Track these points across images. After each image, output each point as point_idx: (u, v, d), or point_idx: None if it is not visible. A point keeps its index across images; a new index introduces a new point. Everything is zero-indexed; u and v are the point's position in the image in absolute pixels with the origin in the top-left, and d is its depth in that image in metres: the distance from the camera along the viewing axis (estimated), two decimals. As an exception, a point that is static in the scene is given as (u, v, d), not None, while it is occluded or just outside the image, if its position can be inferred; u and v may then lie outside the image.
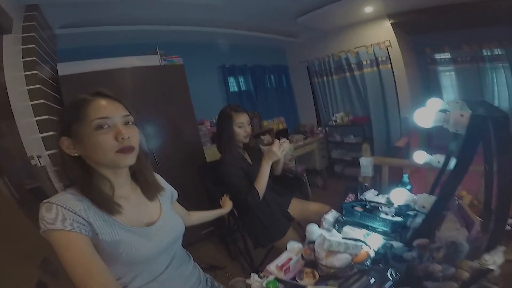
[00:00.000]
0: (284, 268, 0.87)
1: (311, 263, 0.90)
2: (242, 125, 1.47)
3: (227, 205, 1.32)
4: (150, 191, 0.77)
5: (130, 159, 0.66)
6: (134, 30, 2.40)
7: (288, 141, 1.41)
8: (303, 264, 0.92)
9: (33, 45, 1.50)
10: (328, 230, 1.13)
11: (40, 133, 1.37)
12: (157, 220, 0.75)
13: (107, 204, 0.64)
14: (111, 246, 0.62)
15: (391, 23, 3.20)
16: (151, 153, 2.11)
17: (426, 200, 0.83)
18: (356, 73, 3.60)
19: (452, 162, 1.04)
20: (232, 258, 2.17)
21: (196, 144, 2.46)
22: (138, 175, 0.76)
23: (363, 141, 3.61)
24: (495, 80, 3.40)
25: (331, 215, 1.19)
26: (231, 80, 3.64)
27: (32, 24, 1.57)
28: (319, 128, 4.16)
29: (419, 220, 1.05)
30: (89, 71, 1.95)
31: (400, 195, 0.90)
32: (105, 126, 0.62)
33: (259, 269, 1.72)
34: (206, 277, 0.92)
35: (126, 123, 0.66)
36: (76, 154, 0.63)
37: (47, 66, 1.76)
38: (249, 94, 3.79)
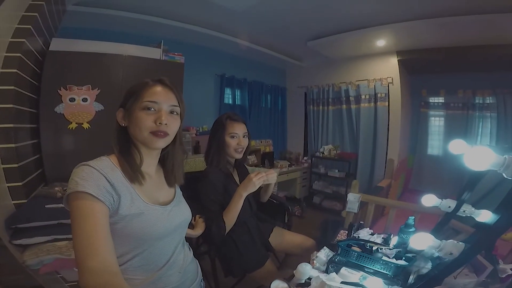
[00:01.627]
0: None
1: (303, 309, 0.75)
2: (235, 136, 1.29)
3: (198, 228, 1.14)
4: (171, 179, 0.84)
5: (160, 142, 0.72)
6: (143, 19, 2.34)
7: (275, 173, 1.26)
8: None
9: (36, 14, 1.39)
10: (319, 269, 1.00)
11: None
12: (171, 201, 0.80)
13: (133, 171, 0.69)
14: (128, 219, 0.65)
15: (398, 60, 3.25)
16: None
17: (455, 247, 0.74)
18: (353, 107, 3.64)
19: (466, 208, 0.98)
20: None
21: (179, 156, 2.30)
22: (166, 161, 0.83)
23: (346, 176, 3.60)
24: (480, 130, 3.55)
25: (323, 253, 1.06)
26: (228, 91, 3.55)
27: None
28: (305, 158, 4.12)
29: (421, 264, 0.96)
30: (81, 51, 1.79)
31: (423, 240, 0.80)
32: (152, 109, 0.70)
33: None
34: (201, 277, 0.95)
35: (171, 112, 0.74)
36: (123, 125, 0.73)
37: (41, 39, 1.62)
38: (243, 110, 3.70)
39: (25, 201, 1.23)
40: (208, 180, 1.23)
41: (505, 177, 0.65)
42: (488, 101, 3.47)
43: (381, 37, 2.88)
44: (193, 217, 1.17)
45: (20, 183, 1.22)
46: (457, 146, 0.94)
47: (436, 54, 2.98)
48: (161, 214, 0.73)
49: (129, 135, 0.73)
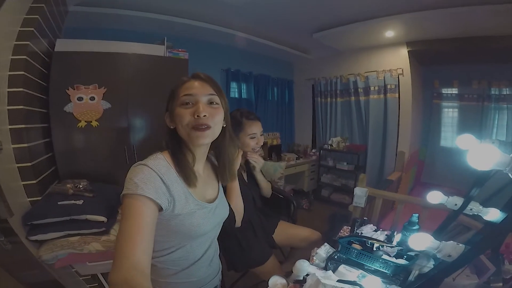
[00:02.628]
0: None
1: (298, 306, 0.76)
2: (254, 136, 1.28)
3: None
4: (225, 176, 0.84)
5: (203, 138, 0.69)
6: (146, 17, 2.34)
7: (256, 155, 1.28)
8: (287, 306, 0.78)
9: (37, 16, 1.42)
10: (319, 266, 1.01)
11: (8, 105, 1.21)
12: (215, 198, 0.81)
13: (189, 174, 0.70)
14: (180, 217, 0.67)
15: (408, 51, 3.14)
16: (131, 147, 1.96)
17: (454, 249, 0.71)
18: (362, 98, 3.55)
19: (472, 206, 0.95)
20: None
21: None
22: (219, 158, 0.83)
23: (355, 169, 3.55)
24: (496, 122, 3.39)
25: (324, 250, 1.07)
26: (233, 85, 3.54)
27: None
28: (313, 150, 4.08)
29: (422, 262, 0.95)
30: (86, 51, 1.83)
31: (422, 241, 0.78)
32: (189, 103, 0.69)
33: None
34: (221, 274, 0.96)
35: (211, 103, 0.71)
36: (172, 127, 0.72)
37: (45, 40, 1.66)
38: (249, 103, 3.69)
39: (40, 198, 1.30)
40: None
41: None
42: (504, 93, 3.29)
43: (389, 28, 2.76)
44: None
45: (34, 181, 1.28)
46: (465, 141, 0.90)
47: (448, 45, 2.84)
48: (208, 212, 0.75)
49: (179, 136, 0.72)
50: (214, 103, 0.72)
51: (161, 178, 0.63)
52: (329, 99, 3.90)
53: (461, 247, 0.71)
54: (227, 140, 0.80)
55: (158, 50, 2.17)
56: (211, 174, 0.86)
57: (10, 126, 1.21)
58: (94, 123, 1.82)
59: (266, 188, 1.50)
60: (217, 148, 0.81)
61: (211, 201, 0.79)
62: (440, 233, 1.07)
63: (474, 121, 3.48)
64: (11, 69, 1.26)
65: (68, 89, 1.74)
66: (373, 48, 3.35)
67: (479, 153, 0.63)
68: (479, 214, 0.95)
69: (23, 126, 1.27)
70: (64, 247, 1.11)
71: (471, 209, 0.98)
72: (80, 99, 1.78)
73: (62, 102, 1.73)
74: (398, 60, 3.20)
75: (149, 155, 0.73)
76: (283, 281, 0.89)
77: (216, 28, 2.67)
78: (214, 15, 2.52)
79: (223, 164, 0.83)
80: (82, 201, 1.25)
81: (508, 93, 3.27)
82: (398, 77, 3.23)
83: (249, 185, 1.38)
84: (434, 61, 3.49)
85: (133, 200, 0.58)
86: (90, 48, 1.84)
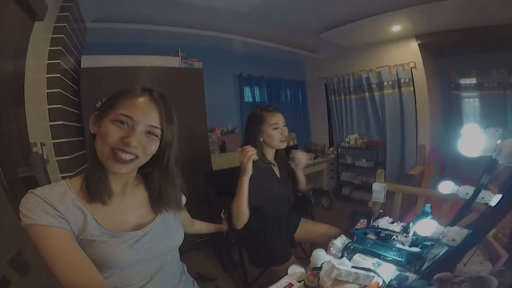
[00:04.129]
0: (284, 294, 0.78)
1: (315, 291, 0.81)
2: (277, 127, 1.26)
3: (224, 224, 1.19)
4: (157, 204, 0.72)
5: (119, 169, 0.60)
6: (159, 30, 2.48)
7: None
8: (305, 291, 0.82)
9: (62, 35, 1.53)
10: (336, 256, 1.04)
11: (50, 121, 1.36)
12: (148, 224, 0.68)
13: (93, 190, 0.61)
14: (82, 243, 0.58)
15: (418, 44, 3.10)
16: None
17: (457, 233, 0.74)
18: (376, 93, 3.51)
19: (483, 195, 0.95)
20: (224, 270, 2.08)
21: (204, 150, 2.44)
22: (151, 183, 0.72)
23: (375, 165, 3.49)
24: None
25: (340, 241, 1.10)
26: (247, 90, 3.64)
27: (66, 14, 1.60)
28: (331, 149, 4.07)
29: (437, 251, 0.96)
30: (109, 66, 2.00)
31: (427, 227, 0.81)
32: (125, 124, 0.59)
33: (252, 286, 1.61)
34: None
35: (148, 133, 0.62)
36: (92, 131, 0.62)
37: (72, 57, 1.81)
38: (263, 106, 3.77)
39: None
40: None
41: (501, 162, 0.64)
42: None
43: (396, 23, 2.75)
44: (223, 210, 1.25)
45: (71, 174, 1.43)
46: (469, 131, 0.90)
47: (458, 35, 2.77)
48: (121, 242, 0.62)
49: (92, 146, 0.62)
50: (153, 134, 0.63)
51: (46, 202, 0.55)
52: (343, 96, 3.88)
53: (464, 231, 0.73)
54: (163, 165, 0.68)
55: (174, 61, 2.32)
56: (142, 199, 0.72)
57: (53, 141, 1.36)
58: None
59: (304, 183, 1.49)
60: (149, 171, 0.71)
61: (137, 228, 0.66)
62: (456, 222, 1.07)
63: (497, 111, 3.31)
64: (48, 87, 1.41)
65: (97, 104, 1.90)
66: (382, 43, 3.33)
67: (467, 141, 0.67)
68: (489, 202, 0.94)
69: (64, 140, 1.42)
70: None
71: (482, 198, 0.98)
72: (107, 111, 1.94)
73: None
74: (409, 53, 3.17)
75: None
76: (302, 269, 0.94)
77: (225, 36, 2.78)
78: (222, 24, 2.62)
79: (155, 189, 0.72)
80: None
81: None
82: (411, 70, 3.18)
83: (283, 181, 1.37)
84: (446, 52, 3.40)
85: (31, 231, 0.54)
86: (112, 63, 2.01)
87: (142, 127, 0.60)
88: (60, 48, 1.50)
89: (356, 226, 1.40)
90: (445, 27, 2.77)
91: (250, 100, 3.68)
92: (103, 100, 0.65)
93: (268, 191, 1.29)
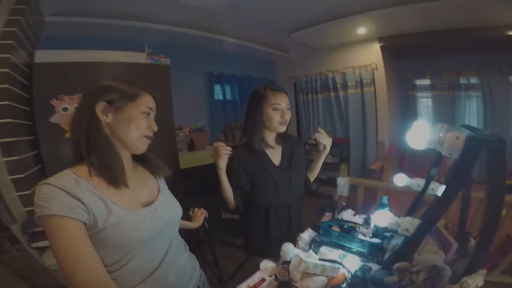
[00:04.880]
0: (257, 288, 0.82)
1: (285, 284, 0.85)
2: (278, 108, 1.13)
3: (195, 220, 1.15)
4: (159, 170, 0.84)
5: (146, 146, 0.74)
6: (124, 25, 2.34)
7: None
8: (276, 285, 0.87)
9: (15, 29, 1.41)
10: (304, 250, 1.10)
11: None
12: (155, 200, 0.77)
13: (118, 171, 0.67)
14: (109, 228, 0.62)
15: (380, 46, 3.33)
16: None
17: (410, 223, 0.81)
18: (341, 93, 3.72)
19: (433, 186, 1.07)
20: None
21: (171, 149, 2.38)
22: (147, 156, 0.80)
23: (340, 161, 3.70)
24: (467, 109, 3.67)
25: (307, 234, 1.16)
26: (217, 88, 3.61)
27: (22, 7, 1.48)
28: (299, 146, 4.20)
29: (396, 241, 1.06)
30: (66, 61, 1.84)
31: (383, 217, 0.90)
32: (149, 115, 0.74)
33: (227, 283, 1.64)
34: (201, 271, 0.94)
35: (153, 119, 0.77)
36: (107, 121, 0.67)
37: (24, 52, 1.66)
38: (234, 104, 3.77)
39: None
40: (231, 158, 1.12)
41: (443, 154, 0.73)
42: (472, 81, 3.56)
43: (361, 25, 2.92)
44: (191, 209, 1.20)
45: (29, 191, 1.31)
46: (419, 127, 0.97)
47: (417, 39, 3.05)
48: (144, 216, 0.69)
49: (107, 136, 0.68)
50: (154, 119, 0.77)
51: (66, 192, 0.57)
52: (310, 95, 4.04)
53: (416, 221, 0.80)
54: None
55: (139, 57, 2.20)
56: (144, 174, 0.81)
57: (0, 140, 1.23)
58: (81, 133, 1.85)
59: (315, 174, 1.43)
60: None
61: (148, 204, 0.74)
62: (412, 213, 1.18)
63: (447, 109, 3.72)
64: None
65: (52, 100, 1.76)
66: (348, 45, 3.53)
67: (414, 135, 0.75)
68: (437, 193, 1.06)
69: (13, 139, 1.30)
70: None
71: (432, 189, 1.10)
72: (65, 109, 1.80)
73: (47, 114, 1.74)
74: (372, 55, 3.40)
75: None
76: (273, 264, 0.98)
77: (195, 33, 2.72)
78: (193, 20, 2.57)
79: (153, 159, 0.82)
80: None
81: (475, 82, 3.54)
82: (373, 71, 3.42)
83: (282, 168, 1.25)
84: (406, 54, 3.72)
85: (48, 223, 0.55)
86: (70, 58, 1.85)
87: (153, 115, 0.76)
88: (12, 42, 1.38)
89: (322, 220, 1.49)
90: (405, 30, 3.01)
91: (221, 98, 3.66)
92: (96, 92, 0.68)
93: (259, 179, 1.19)
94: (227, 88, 3.70)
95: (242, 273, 1.55)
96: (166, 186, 0.88)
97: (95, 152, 0.65)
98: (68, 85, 1.82)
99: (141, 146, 0.72)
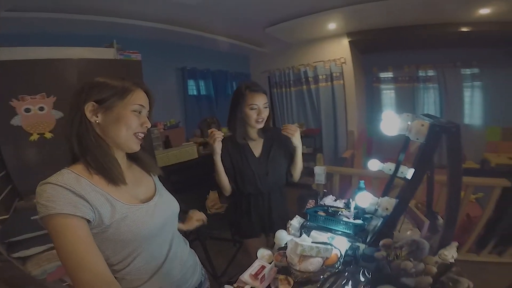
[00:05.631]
0: (259, 276, 0.86)
1: (284, 269, 0.91)
2: (255, 107, 1.24)
3: (188, 224, 1.12)
4: (152, 166, 0.84)
5: (138, 145, 0.73)
6: (91, 20, 2.19)
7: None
8: (276, 271, 0.92)
9: None
10: (295, 235, 1.17)
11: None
12: (153, 196, 0.77)
13: (115, 170, 0.67)
14: (114, 225, 0.63)
15: (348, 41, 3.51)
16: None
17: (388, 203, 0.91)
18: (312, 86, 3.87)
19: (402, 170, 1.19)
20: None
21: (147, 147, 2.30)
22: (139, 153, 0.79)
23: (314, 151, 3.87)
24: (425, 99, 4.06)
25: (296, 221, 1.24)
26: (191, 83, 3.52)
27: None
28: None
29: (375, 222, 1.17)
30: (30, 58, 1.69)
31: (365, 199, 0.99)
32: (140, 112, 0.71)
33: (221, 278, 1.66)
34: (201, 265, 0.95)
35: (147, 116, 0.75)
36: (96, 121, 0.66)
37: None
38: (209, 99, 3.72)
39: (7, 216, 1.23)
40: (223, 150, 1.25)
41: (411, 139, 0.84)
42: (430, 74, 3.95)
43: (332, 21, 3.04)
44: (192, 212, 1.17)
45: None
46: (387, 116, 1.02)
47: (382, 34, 3.26)
48: (146, 212, 0.70)
49: (98, 135, 0.67)
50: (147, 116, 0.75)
51: (69, 190, 0.57)
52: (283, 89, 4.14)
53: (393, 200, 0.91)
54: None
55: (107, 53, 2.08)
56: (139, 172, 0.81)
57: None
58: (48, 135, 1.72)
59: (297, 169, 1.46)
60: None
61: (147, 200, 0.75)
62: (386, 194, 1.31)
63: (408, 100, 4.09)
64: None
65: (12, 101, 1.60)
66: (319, 39, 3.67)
67: (387, 123, 0.85)
68: (406, 176, 1.19)
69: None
70: (51, 261, 1.09)
71: (401, 172, 1.23)
72: (27, 110, 1.66)
73: (7, 116, 1.60)
74: (341, 50, 3.57)
75: None
76: (269, 252, 1.04)
77: (167, 28, 2.61)
78: (165, 15, 2.47)
79: (145, 156, 0.83)
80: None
81: (432, 74, 3.92)
82: (342, 65, 3.61)
83: (261, 159, 1.35)
84: (371, 49, 3.97)
85: (51, 222, 0.55)
86: (32, 55, 1.71)
87: (145, 112, 0.73)
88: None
89: (307, 206, 1.58)
90: (371, 26, 3.20)
91: (195, 93, 3.59)
92: (84, 91, 0.66)
93: (240, 168, 1.31)
94: (201, 83, 3.63)
95: (234, 267, 1.58)
96: (161, 183, 0.88)
97: (88, 152, 0.65)
98: (30, 84, 1.67)
99: (133, 145, 0.71)
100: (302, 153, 1.41)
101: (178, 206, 0.86)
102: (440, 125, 0.78)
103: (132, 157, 0.80)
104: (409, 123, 0.86)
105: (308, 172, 3.95)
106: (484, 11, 2.61)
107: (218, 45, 3.39)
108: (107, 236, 0.63)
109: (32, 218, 1.19)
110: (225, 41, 3.25)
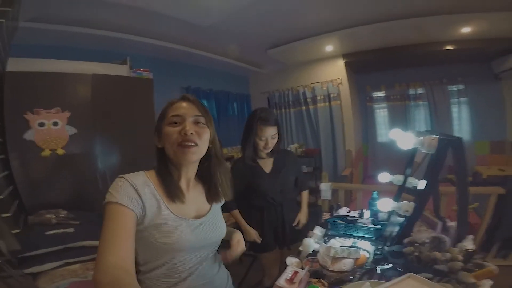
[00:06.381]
0: (295, 280, 0.86)
1: (316, 273, 0.92)
2: (263, 139, 1.41)
3: (234, 251, 0.91)
4: (210, 197, 0.83)
5: (190, 155, 0.71)
6: (105, 36, 2.27)
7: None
8: (309, 275, 0.92)
9: None
10: (319, 243, 1.18)
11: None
12: (204, 216, 0.78)
13: (173, 189, 0.73)
14: (153, 228, 0.67)
15: (344, 62, 3.71)
16: (102, 172, 1.86)
17: (409, 206, 1.00)
18: (311, 107, 4.01)
19: (410, 181, 1.26)
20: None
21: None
22: (205, 178, 0.83)
23: (314, 170, 3.92)
24: (416, 116, 4.27)
25: (318, 230, 1.25)
26: (195, 103, 3.60)
27: (6, 10, 1.33)
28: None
29: (390, 229, 1.21)
30: (41, 71, 1.70)
31: (387, 203, 1.06)
32: (177, 123, 0.72)
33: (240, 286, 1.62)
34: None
35: (197, 123, 0.74)
36: (159, 146, 0.74)
37: None
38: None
39: (19, 231, 1.18)
40: (234, 168, 1.48)
41: (424, 151, 0.98)
42: (419, 92, 4.20)
43: (329, 43, 3.27)
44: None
45: (9, 214, 1.16)
46: (395, 133, 1.18)
47: (375, 55, 3.51)
48: (187, 227, 0.72)
49: (166, 155, 0.74)
50: (200, 123, 0.74)
51: (133, 187, 0.65)
52: (283, 109, 4.27)
53: (413, 204, 1.00)
54: (213, 160, 0.81)
55: (121, 70, 2.13)
56: (200, 195, 0.83)
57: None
58: (60, 151, 1.68)
59: (303, 218, 1.59)
60: (205, 170, 0.82)
61: (196, 217, 0.77)
62: (396, 202, 1.38)
63: (400, 118, 4.29)
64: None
65: (26, 114, 1.60)
66: (317, 61, 3.88)
67: (404, 139, 1.02)
68: (415, 185, 1.27)
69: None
70: (65, 277, 1.04)
71: (410, 183, 1.30)
72: (41, 124, 1.64)
73: (20, 129, 1.58)
74: (337, 70, 3.78)
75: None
76: (297, 259, 1.04)
77: (176, 47, 2.73)
78: (175, 34, 2.59)
79: (208, 183, 0.83)
80: (72, 229, 1.19)
81: (421, 92, 4.18)
82: (338, 86, 3.79)
83: (273, 174, 1.49)
84: (365, 69, 4.21)
85: (108, 207, 0.62)
86: (47, 68, 1.73)
87: (189, 118, 0.72)
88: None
89: (323, 218, 1.60)
90: (365, 47, 3.44)
91: (198, 113, 3.66)
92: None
93: (252, 183, 1.45)
94: (205, 103, 3.72)
95: (252, 277, 1.57)
96: (219, 207, 0.89)
97: (156, 169, 0.76)
98: (45, 98, 1.67)
99: (182, 156, 0.71)
100: (303, 172, 1.63)
101: (224, 233, 0.85)
102: (448, 138, 0.95)
103: (204, 179, 0.83)
104: (422, 138, 1.01)
105: (310, 190, 3.98)
106: (466, 29, 2.89)
107: (223, 65, 3.54)
108: (143, 237, 0.67)
109: (47, 233, 1.15)
110: (229, 61, 3.40)
